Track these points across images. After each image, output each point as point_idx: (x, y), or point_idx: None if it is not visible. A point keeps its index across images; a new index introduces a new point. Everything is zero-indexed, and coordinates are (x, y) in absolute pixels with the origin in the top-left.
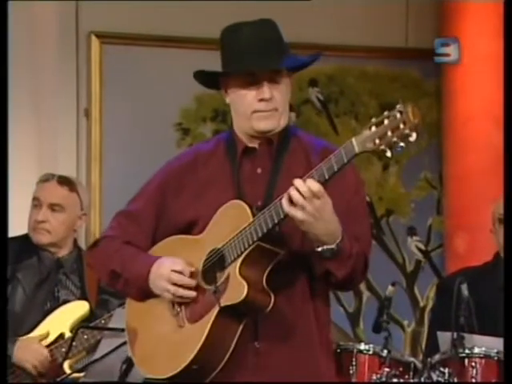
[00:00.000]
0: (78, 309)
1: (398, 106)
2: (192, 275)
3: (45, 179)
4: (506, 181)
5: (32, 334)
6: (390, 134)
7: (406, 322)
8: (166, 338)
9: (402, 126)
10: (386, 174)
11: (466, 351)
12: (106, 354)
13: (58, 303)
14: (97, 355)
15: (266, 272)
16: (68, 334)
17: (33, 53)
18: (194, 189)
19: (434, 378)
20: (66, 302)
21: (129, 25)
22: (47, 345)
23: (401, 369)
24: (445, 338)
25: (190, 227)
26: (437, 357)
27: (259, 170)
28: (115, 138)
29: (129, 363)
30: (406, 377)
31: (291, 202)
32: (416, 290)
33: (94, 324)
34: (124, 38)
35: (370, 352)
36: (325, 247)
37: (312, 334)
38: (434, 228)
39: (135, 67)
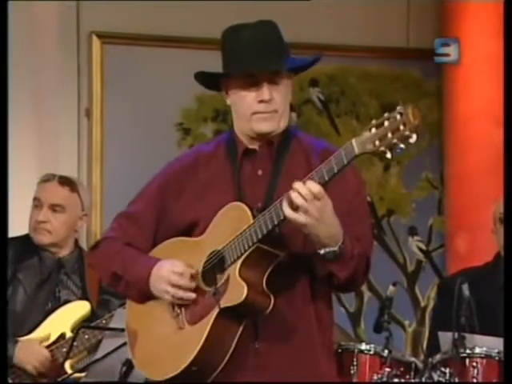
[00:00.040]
0: (79, 309)
1: (398, 108)
2: (192, 277)
3: (46, 179)
4: (506, 181)
5: (33, 334)
6: (390, 135)
7: (406, 322)
8: (165, 339)
9: (402, 127)
10: (387, 174)
11: (467, 351)
12: (107, 354)
13: (58, 303)
14: (98, 355)
15: (266, 274)
16: (69, 334)
17: (34, 53)
18: (195, 190)
19: (435, 378)
20: (66, 302)
21: (130, 25)
22: (48, 345)
23: (402, 369)
24: (446, 338)
25: (191, 229)
26: (438, 357)
27: (260, 172)
28: (116, 137)
29: (129, 365)
30: (407, 377)
31: (292, 204)
32: (417, 290)
33: (95, 324)
34: (125, 38)
35: (371, 352)
36: (327, 249)
37: (313, 335)
38: (434, 228)
39: (136, 67)
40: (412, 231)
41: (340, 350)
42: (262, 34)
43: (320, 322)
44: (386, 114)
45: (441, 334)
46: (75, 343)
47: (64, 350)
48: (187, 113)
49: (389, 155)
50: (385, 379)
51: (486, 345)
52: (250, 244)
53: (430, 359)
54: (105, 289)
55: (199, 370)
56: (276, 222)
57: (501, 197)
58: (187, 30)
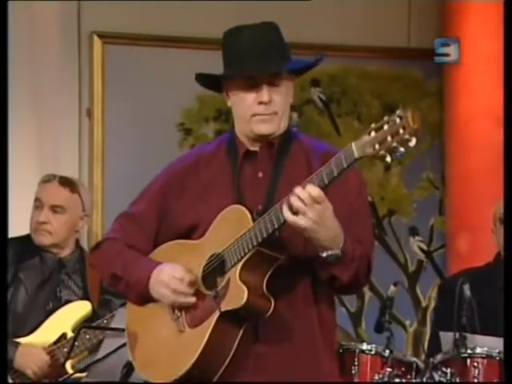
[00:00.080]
0: (80, 309)
1: (397, 111)
2: (192, 282)
3: (46, 180)
4: (506, 181)
5: (34, 334)
6: (389, 139)
7: (408, 322)
8: (166, 342)
9: (401, 131)
10: (388, 174)
11: (468, 351)
12: (108, 354)
13: (60, 303)
14: (99, 355)
15: (266, 277)
16: (70, 334)
17: (35, 53)
18: (196, 191)
19: (436, 378)
20: (68, 302)
21: (131, 25)
22: (49, 345)
23: (403, 369)
24: (447, 338)
25: (191, 231)
26: (439, 357)
27: (260, 174)
28: (117, 138)
29: (129, 367)
30: (408, 377)
31: (292, 208)
32: (418, 290)
33: (96, 324)
34: (126, 38)
35: (372, 352)
36: (329, 252)
37: (315, 337)
38: (436, 228)
39: (137, 67)
40: (413, 231)
41: (341, 350)
42: (262, 35)
43: (322, 323)
44: (385, 118)
45: (442, 334)
46: (76, 343)
47: (65, 350)
48: (188, 113)
49: (388, 159)
50: (386, 379)
51: (487, 345)
52: (250, 247)
53: (431, 359)
54: (106, 289)
55: (200, 373)
56: (276, 226)
57: (501, 197)
58: (188, 30)
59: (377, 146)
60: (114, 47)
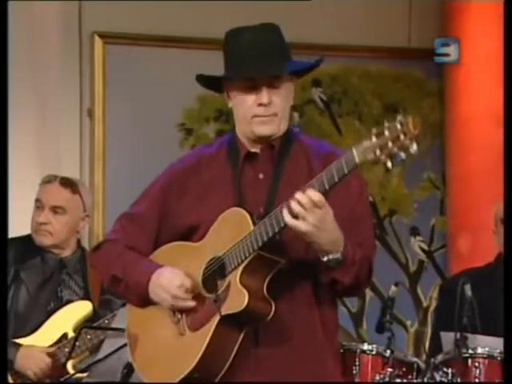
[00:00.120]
0: (81, 309)
1: (398, 117)
2: (191, 287)
3: (47, 181)
4: (506, 182)
5: (35, 334)
6: (390, 144)
7: (409, 323)
8: (166, 344)
9: (402, 136)
10: (389, 174)
11: (470, 351)
12: (109, 354)
13: (61, 303)
14: (100, 355)
15: (267, 280)
16: (71, 334)
17: (36, 53)
18: (197, 192)
19: (437, 378)
20: (69, 302)
21: (132, 25)
22: (50, 345)
23: (404, 369)
24: (448, 338)
25: (192, 232)
26: (440, 357)
27: (261, 176)
28: (118, 138)
29: (129, 368)
30: (409, 377)
31: (292, 212)
32: (419, 290)
33: (98, 324)
34: (127, 38)
35: (373, 352)
36: (330, 256)
37: (317, 339)
38: (437, 228)
39: (138, 67)
40: (414, 231)
41: (342, 351)
42: (263, 37)
43: (324, 325)
44: (386, 123)
45: (443, 334)
46: (77, 343)
47: (66, 350)
48: (189, 113)
49: (389, 164)
50: (387, 379)
51: (488, 345)
52: (251, 251)
53: (432, 359)
54: (107, 289)
55: (200, 376)
56: (277, 230)
57: (502, 197)
58: (189, 30)
59: (378, 152)
60: (115, 47)
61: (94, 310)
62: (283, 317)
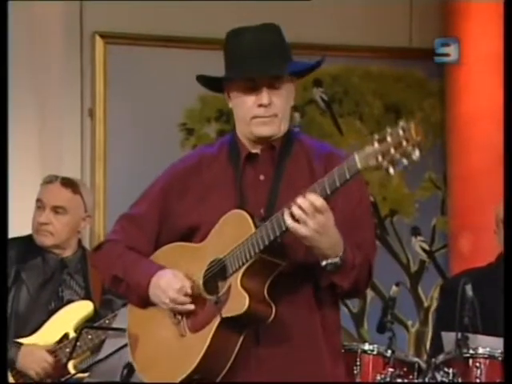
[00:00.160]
0: (83, 309)
1: (400, 123)
2: (192, 289)
3: (48, 181)
4: (506, 182)
5: (36, 334)
6: (392, 151)
7: (410, 323)
8: (167, 345)
9: (404, 143)
10: (390, 174)
11: (471, 351)
12: (111, 354)
13: (62, 303)
14: (101, 355)
15: (267, 283)
16: (72, 334)
17: (37, 53)
18: (198, 192)
19: (439, 378)
20: (70, 301)
21: (133, 25)
22: (51, 345)
23: (405, 369)
24: (449, 338)
25: (192, 232)
26: (441, 357)
27: (262, 177)
28: (119, 138)
29: (130, 368)
30: (411, 377)
31: (294, 216)
32: (420, 291)
33: (99, 324)
34: (128, 39)
35: (375, 352)
36: (329, 261)
37: (317, 340)
38: (438, 228)
39: (139, 67)
40: (415, 231)
41: (343, 351)
42: (263, 37)
43: (325, 327)
44: (388, 129)
45: (444, 334)
46: (78, 343)
47: (67, 350)
48: (190, 113)
49: (392, 171)
50: (388, 379)
51: (489, 345)
52: (252, 254)
53: (433, 359)
54: (108, 289)
55: (201, 377)
56: (278, 233)
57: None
58: (190, 30)
59: (380, 158)
60: (116, 47)
61: (95, 310)
62: (284, 319)
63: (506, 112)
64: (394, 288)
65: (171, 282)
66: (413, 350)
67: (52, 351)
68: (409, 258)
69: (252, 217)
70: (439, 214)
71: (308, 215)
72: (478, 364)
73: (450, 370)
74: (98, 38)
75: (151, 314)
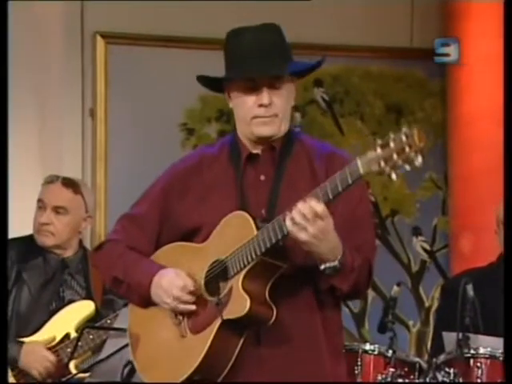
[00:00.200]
0: (84, 309)
1: (403, 129)
2: (193, 289)
3: (49, 181)
4: (506, 182)
5: (37, 334)
6: (395, 156)
7: (411, 322)
8: (168, 345)
9: (407, 149)
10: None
11: (472, 351)
12: (112, 354)
13: (63, 303)
14: (102, 355)
15: (269, 285)
16: (74, 334)
17: (38, 53)
18: (199, 192)
19: (440, 378)
20: (70, 302)
21: (134, 25)
22: (53, 345)
23: (406, 369)
24: (450, 338)
25: (193, 233)
26: (442, 357)
27: (262, 177)
28: (120, 137)
29: (131, 367)
30: (412, 377)
31: (294, 221)
32: (421, 290)
33: (100, 324)
34: (129, 39)
35: (376, 352)
36: (327, 265)
37: (318, 340)
38: (439, 228)
39: (140, 67)
40: (416, 231)
41: (344, 351)
42: (264, 37)
43: (326, 328)
44: (391, 135)
45: (445, 334)
46: (80, 343)
47: (68, 350)
48: (191, 113)
49: (394, 176)
50: (389, 379)
51: (490, 345)
52: (254, 256)
53: (434, 359)
54: (109, 289)
55: (202, 378)
56: (280, 237)
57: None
58: (191, 30)
59: (382, 163)
60: (117, 47)
61: (97, 310)
62: (285, 320)
63: (505, 112)
64: (395, 288)
65: (174, 280)
66: (414, 350)
67: (53, 351)
68: (410, 257)
69: (254, 218)
70: (440, 214)
71: (308, 221)
72: (479, 364)
73: (451, 370)
74: (98, 37)
75: (152, 313)
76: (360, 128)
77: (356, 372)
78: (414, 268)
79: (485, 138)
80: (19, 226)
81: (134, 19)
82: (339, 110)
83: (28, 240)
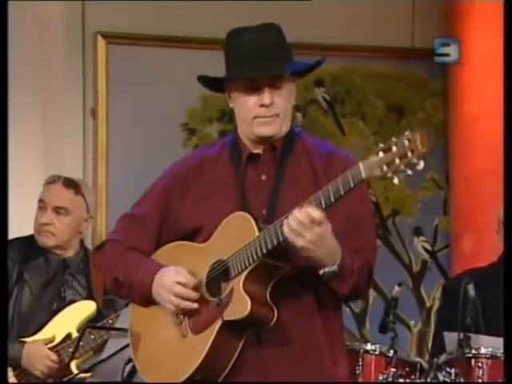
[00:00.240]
0: (85, 309)
1: (406, 134)
2: (195, 286)
3: (51, 181)
4: (506, 182)
5: (39, 335)
6: (397, 161)
7: (412, 323)
8: (168, 345)
9: (410, 154)
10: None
11: (473, 351)
12: (113, 354)
13: (64, 303)
14: (104, 355)
15: (270, 286)
16: (75, 334)
17: (39, 53)
18: (200, 192)
19: (441, 378)
20: (72, 302)
21: (135, 25)
22: (54, 345)
23: (407, 369)
24: (451, 338)
25: (194, 233)
26: (443, 357)
27: (263, 177)
28: (121, 137)
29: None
30: (413, 377)
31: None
32: (422, 291)
33: (101, 324)
34: (130, 38)
35: (377, 352)
36: (326, 270)
37: (319, 341)
38: (440, 228)
39: (141, 67)
40: (417, 231)
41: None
42: (264, 37)
43: (327, 329)
44: (393, 139)
45: (446, 334)
46: (81, 343)
47: (70, 350)
48: (192, 113)
49: (396, 181)
50: (390, 379)
51: (492, 345)
52: (255, 258)
53: (435, 359)
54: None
55: (202, 378)
56: (281, 239)
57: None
58: (192, 30)
59: (384, 168)
60: (118, 47)
61: (98, 310)
62: (286, 322)
63: (505, 112)
64: (396, 288)
65: (175, 277)
66: (415, 350)
67: (55, 351)
68: (411, 258)
69: (255, 220)
70: (441, 214)
71: (305, 227)
72: (480, 364)
73: (452, 370)
74: (99, 37)
75: (153, 312)
76: (361, 128)
77: (357, 372)
78: (415, 268)
79: (486, 138)
80: (20, 226)
81: (136, 19)
82: (340, 110)
83: (29, 240)
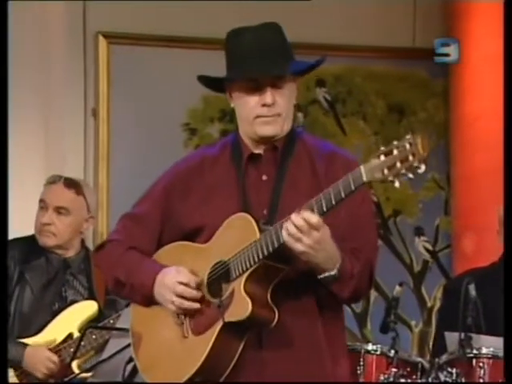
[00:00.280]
0: (87, 309)
1: (407, 137)
2: (197, 286)
3: (52, 181)
4: (506, 182)
5: (40, 335)
6: (398, 165)
7: (413, 323)
8: (169, 345)
9: (411, 157)
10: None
11: (474, 351)
12: (114, 354)
13: (65, 303)
14: (105, 355)
15: (271, 288)
16: (76, 334)
17: (40, 53)
18: (201, 193)
19: (442, 378)
20: (73, 302)
21: (136, 25)
22: (56, 345)
23: (408, 369)
24: (452, 338)
25: (196, 233)
26: (444, 357)
27: (264, 177)
28: (123, 137)
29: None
30: (414, 377)
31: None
32: (423, 291)
33: (103, 324)
34: (132, 39)
35: (378, 352)
36: (326, 274)
37: (320, 342)
38: (441, 228)
39: (142, 67)
40: (418, 231)
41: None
42: (264, 37)
43: (329, 330)
44: (394, 142)
45: (447, 334)
46: (82, 343)
47: (71, 350)
48: (193, 113)
49: (397, 184)
50: (391, 379)
51: (493, 345)
52: (256, 260)
53: (436, 359)
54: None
55: (203, 378)
56: (282, 241)
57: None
58: (193, 30)
59: (385, 171)
60: (119, 47)
61: (99, 310)
62: (287, 323)
63: (506, 112)
64: (398, 288)
65: (176, 277)
66: (416, 350)
67: (56, 351)
68: (412, 258)
69: (256, 221)
70: (442, 214)
71: (303, 232)
72: (481, 364)
73: (454, 370)
74: (101, 37)
75: (154, 312)
76: (362, 128)
77: (358, 372)
78: (417, 268)
79: (487, 139)
80: (21, 226)
81: (137, 19)
82: (341, 110)
83: (30, 240)
